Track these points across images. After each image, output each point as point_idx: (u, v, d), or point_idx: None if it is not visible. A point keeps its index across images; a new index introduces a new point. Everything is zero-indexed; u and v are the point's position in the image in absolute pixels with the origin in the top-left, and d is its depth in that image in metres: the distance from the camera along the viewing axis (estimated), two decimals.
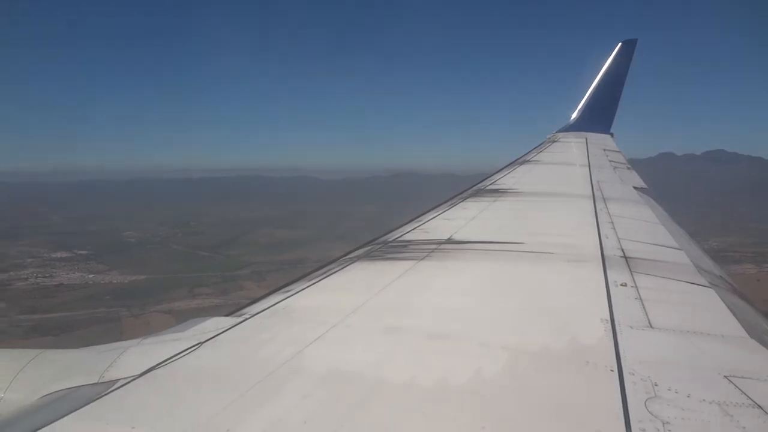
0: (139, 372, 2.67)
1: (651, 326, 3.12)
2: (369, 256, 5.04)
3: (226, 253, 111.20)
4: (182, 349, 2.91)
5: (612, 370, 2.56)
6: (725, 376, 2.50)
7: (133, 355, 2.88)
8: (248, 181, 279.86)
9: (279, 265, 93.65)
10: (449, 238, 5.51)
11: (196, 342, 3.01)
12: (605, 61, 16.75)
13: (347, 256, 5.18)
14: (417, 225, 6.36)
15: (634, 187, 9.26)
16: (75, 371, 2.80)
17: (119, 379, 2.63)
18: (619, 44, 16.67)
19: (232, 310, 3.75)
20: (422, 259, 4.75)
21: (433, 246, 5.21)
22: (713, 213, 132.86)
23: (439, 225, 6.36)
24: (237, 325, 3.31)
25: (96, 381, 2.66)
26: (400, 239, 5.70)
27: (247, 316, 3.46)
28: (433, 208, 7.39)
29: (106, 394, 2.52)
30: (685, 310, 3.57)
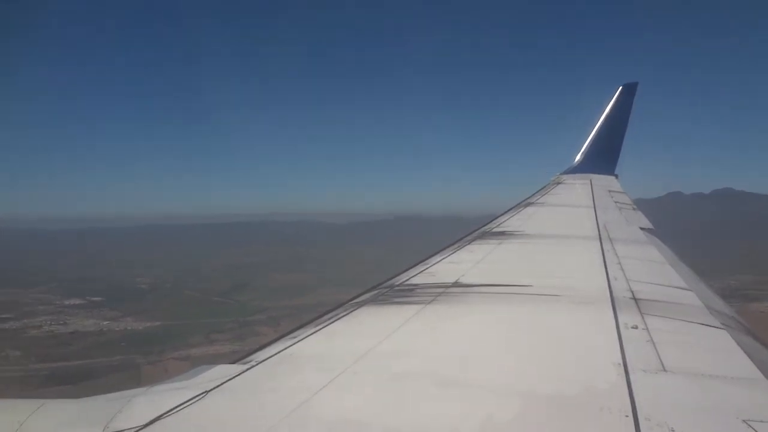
0: (144, 422, 2.60)
1: (664, 369, 3.06)
2: (376, 301, 4.99)
3: (237, 299, 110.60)
4: (188, 398, 2.85)
5: (627, 416, 2.49)
6: (744, 420, 2.43)
7: (139, 405, 2.81)
8: (251, 225, 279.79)
9: (292, 309, 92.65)
10: (456, 282, 5.43)
11: (203, 390, 2.95)
12: (607, 104, 17.10)
13: (354, 301, 5.12)
14: (423, 268, 6.30)
15: (641, 228, 9.23)
16: (78, 423, 2.72)
17: (124, 430, 2.57)
18: (620, 88, 17.00)
19: (239, 357, 3.72)
20: (429, 303, 4.69)
21: (440, 290, 5.13)
22: (728, 251, 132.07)
23: (445, 268, 6.29)
24: (243, 372, 3.26)
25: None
26: (406, 283, 5.65)
27: (254, 363, 3.41)
28: (438, 252, 7.34)
29: None
30: (698, 353, 3.52)
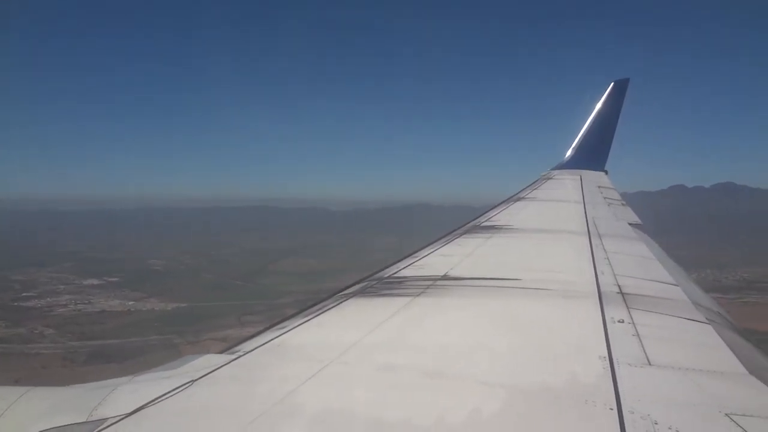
0: (129, 410, 2.60)
1: (650, 363, 3.08)
2: (364, 293, 5.01)
3: (259, 282, 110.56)
4: (174, 387, 2.84)
5: (611, 409, 2.53)
6: (726, 414, 2.47)
7: (124, 393, 2.81)
8: (259, 211, 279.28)
9: (317, 293, 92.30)
10: (445, 275, 5.45)
11: (189, 379, 2.94)
12: (598, 100, 17.09)
13: (342, 293, 5.15)
14: (412, 261, 6.31)
15: (629, 224, 9.33)
16: (64, 409, 2.71)
17: (109, 418, 2.56)
18: (612, 84, 17.03)
19: (230, 345, 3.74)
20: (418, 295, 4.71)
21: (429, 282, 5.16)
22: (736, 244, 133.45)
23: (434, 261, 6.30)
24: (231, 362, 3.25)
25: (85, 419, 2.57)
26: (395, 275, 5.66)
27: (241, 354, 3.41)
28: (428, 245, 7.39)
29: None
30: (683, 347, 3.56)
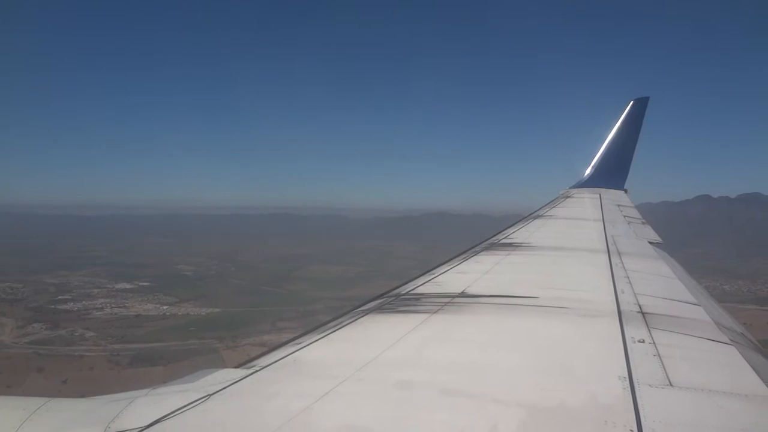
0: (145, 424, 2.59)
1: (671, 384, 3.00)
2: (381, 309, 4.97)
3: (287, 288, 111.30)
4: (190, 401, 2.83)
5: (632, 430, 2.47)
6: None
7: (141, 406, 2.80)
8: (280, 218, 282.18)
9: (347, 300, 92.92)
10: (462, 292, 5.39)
11: (205, 394, 2.93)
12: (618, 118, 16.98)
13: (359, 309, 5.10)
14: (430, 278, 6.29)
15: (650, 242, 9.22)
16: (81, 422, 2.72)
17: (126, 431, 2.56)
18: (631, 102, 16.91)
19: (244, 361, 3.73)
20: (435, 312, 4.67)
21: (446, 299, 5.09)
22: (765, 254, 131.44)
23: (452, 278, 6.25)
24: (246, 377, 3.22)
25: None
26: (412, 292, 5.62)
27: (257, 368, 3.37)
28: (446, 262, 7.34)
29: None
30: (705, 368, 3.47)
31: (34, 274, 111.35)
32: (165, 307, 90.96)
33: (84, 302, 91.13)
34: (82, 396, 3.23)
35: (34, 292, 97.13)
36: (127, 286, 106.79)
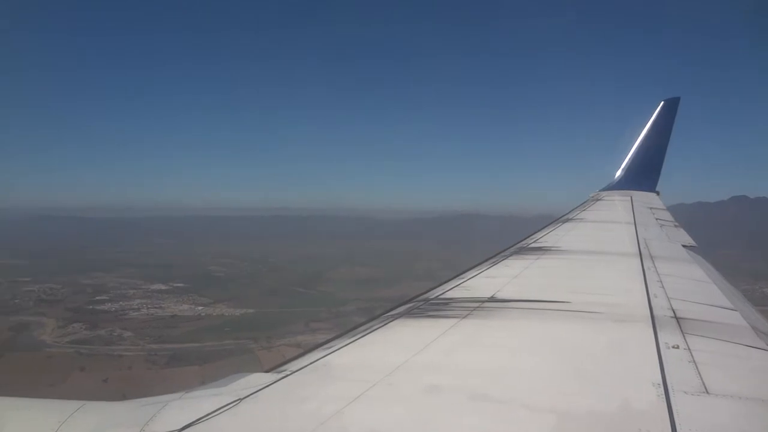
0: (179, 427, 2.64)
1: (707, 392, 2.93)
2: (410, 314, 4.97)
3: (319, 289, 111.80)
4: (222, 405, 2.87)
5: None
6: None
7: (174, 410, 2.85)
8: (308, 220, 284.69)
9: (379, 301, 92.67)
10: (492, 297, 5.38)
11: (236, 398, 2.97)
12: (648, 119, 16.66)
13: (389, 313, 5.10)
14: (459, 283, 6.26)
15: (683, 245, 8.98)
16: (116, 424, 2.80)
17: None
18: (662, 103, 16.53)
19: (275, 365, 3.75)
20: (465, 317, 4.65)
21: (476, 304, 5.08)
22: None
23: (481, 283, 6.21)
24: (277, 381, 3.26)
25: None
26: (441, 296, 5.62)
27: (288, 373, 3.40)
28: (475, 266, 7.28)
29: None
30: (743, 375, 3.36)
31: (70, 275, 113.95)
32: (200, 308, 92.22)
33: (121, 303, 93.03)
34: (124, 395, 3.09)
35: (72, 293, 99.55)
36: (162, 287, 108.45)
